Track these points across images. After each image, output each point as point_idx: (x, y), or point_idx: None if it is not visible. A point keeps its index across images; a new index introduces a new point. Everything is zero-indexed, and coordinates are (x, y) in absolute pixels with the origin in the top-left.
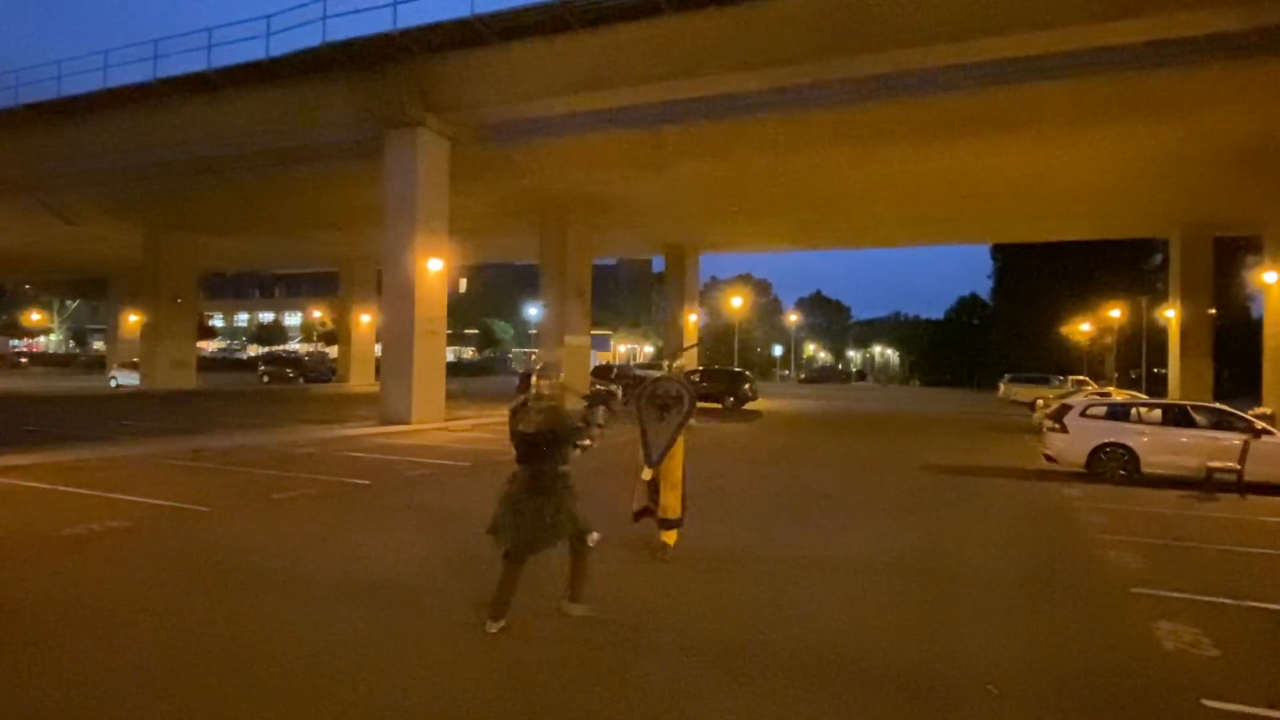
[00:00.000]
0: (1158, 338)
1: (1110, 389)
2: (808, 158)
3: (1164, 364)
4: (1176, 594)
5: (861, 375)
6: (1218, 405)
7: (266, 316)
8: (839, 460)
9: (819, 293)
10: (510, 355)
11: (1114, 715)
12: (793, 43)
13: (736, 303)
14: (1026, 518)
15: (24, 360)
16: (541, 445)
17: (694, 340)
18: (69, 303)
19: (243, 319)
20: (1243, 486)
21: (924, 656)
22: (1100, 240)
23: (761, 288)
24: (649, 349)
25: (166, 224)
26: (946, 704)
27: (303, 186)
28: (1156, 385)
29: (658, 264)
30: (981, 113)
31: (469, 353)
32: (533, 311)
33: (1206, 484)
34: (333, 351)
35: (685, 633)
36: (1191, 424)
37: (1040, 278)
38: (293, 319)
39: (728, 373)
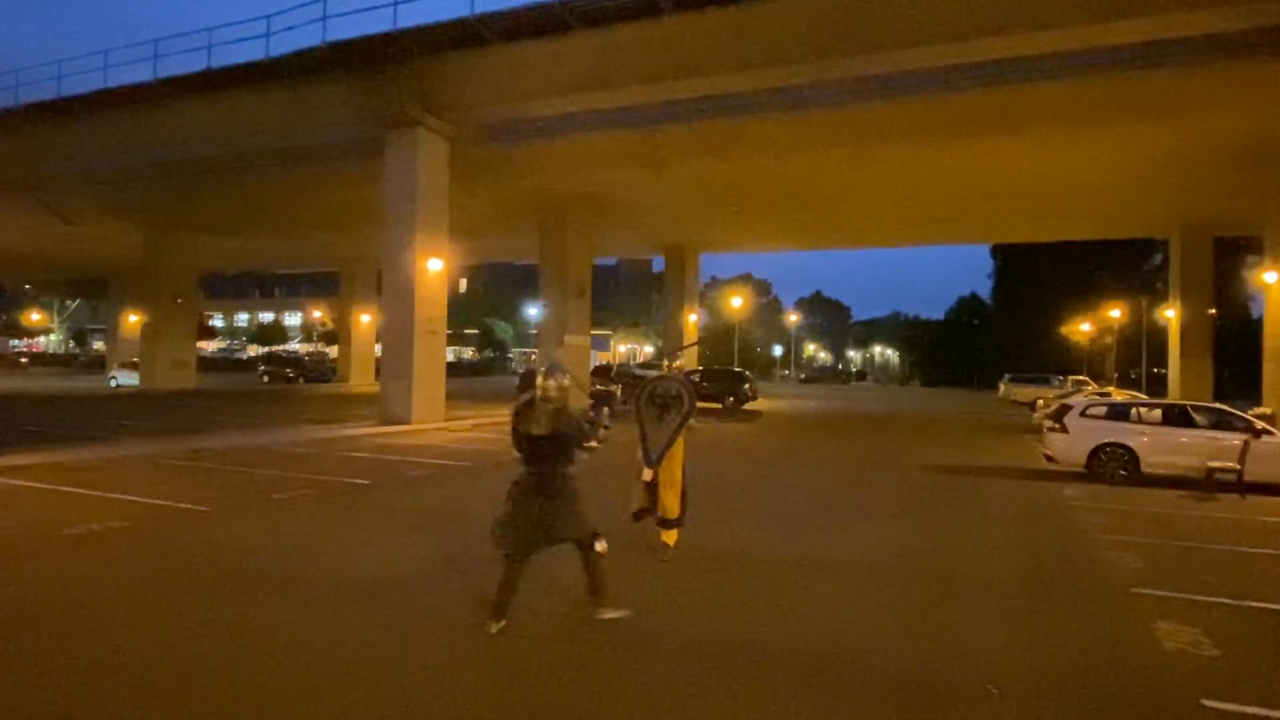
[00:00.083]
0: (1158, 338)
1: (1110, 389)
2: (808, 158)
3: (1164, 364)
4: (1176, 594)
5: (861, 375)
6: (1218, 405)
7: (266, 316)
8: (839, 460)
9: (819, 293)
10: (510, 355)
11: (1114, 715)
12: (793, 43)
13: (736, 303)
14: (1026, 518)
15: (24, 360)
16: (548, 447)
17: (694, 340)
18: (69, 303)
19: (243, 319)
20: (1243, 486)
21: (924, 656)
22: (1100, 240)
23: (761, 288)
24: (649, 349)
25: (166, 224)
26: (946, 704)
27: (303, 186)
28: (1156, 385)
29: (658, 264)
30: (981, 113)
31: (469, 353)
32: (533, 311)
33: (1206, 484)
34: (333, 351)
35: (685, 633)
36: (1191, 424)
37: (1040, 278)
38: (293, 319)
39: (728, 373)
